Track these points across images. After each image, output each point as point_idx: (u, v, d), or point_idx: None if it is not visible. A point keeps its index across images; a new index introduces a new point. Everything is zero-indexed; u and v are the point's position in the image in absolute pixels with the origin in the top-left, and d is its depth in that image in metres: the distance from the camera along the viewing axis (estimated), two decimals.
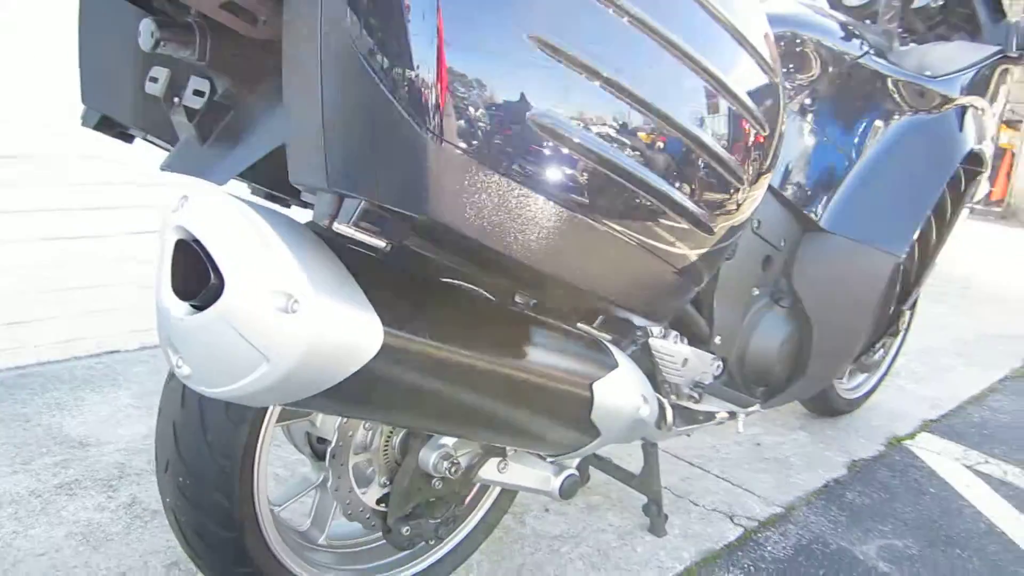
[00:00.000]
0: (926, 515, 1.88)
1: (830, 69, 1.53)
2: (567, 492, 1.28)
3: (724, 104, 0.86)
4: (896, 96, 1.61)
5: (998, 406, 2.65)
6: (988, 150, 1.80)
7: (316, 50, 0.73)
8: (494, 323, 0.97)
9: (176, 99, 0.99)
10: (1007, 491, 2.03)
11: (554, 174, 0.73)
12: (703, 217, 0.87)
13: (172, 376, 1.11)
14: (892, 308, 1.79)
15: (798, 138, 1.54)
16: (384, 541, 1.29)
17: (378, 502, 1.23)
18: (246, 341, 0.74)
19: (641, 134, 0.78)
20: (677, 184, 0.82)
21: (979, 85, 1.71)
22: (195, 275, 0.76)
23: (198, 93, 0.92)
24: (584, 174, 0.74)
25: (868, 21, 1.88)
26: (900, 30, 1.82)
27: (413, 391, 0.88)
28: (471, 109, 0.68)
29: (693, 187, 0.84)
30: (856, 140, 1.60)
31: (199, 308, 0.76)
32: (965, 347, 3.24)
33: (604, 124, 0.75)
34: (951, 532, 1.82)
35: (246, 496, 1.10)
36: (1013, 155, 6.91)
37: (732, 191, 0.90)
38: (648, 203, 0.81)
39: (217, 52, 0.93)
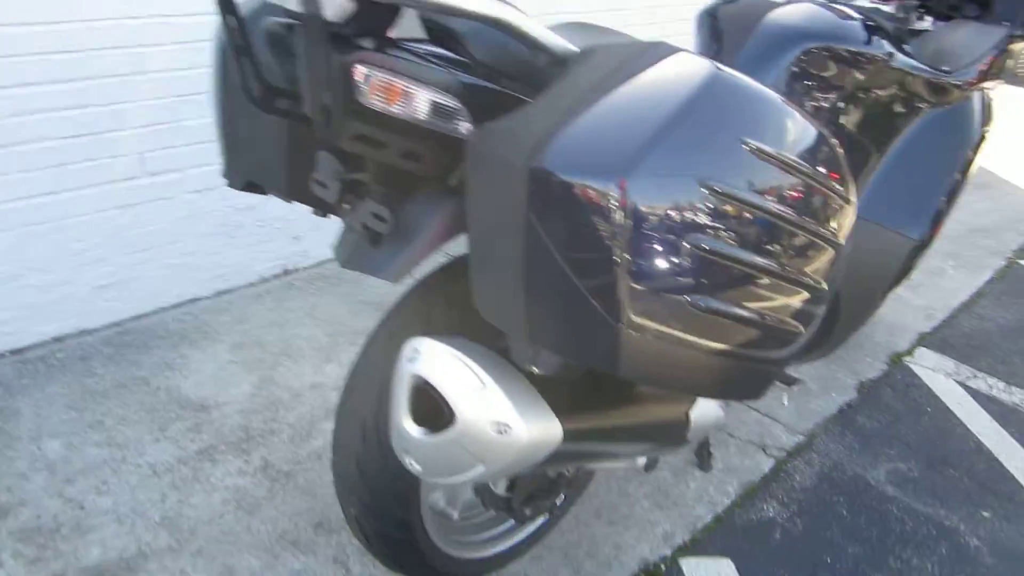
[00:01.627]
0: (925, 436, 2.23)
1: (861, 74, 1.68)
2: (650, 466, 1.58)
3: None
4: (919, 91, 1.77)
5: (984, 313, 2.97)
6: (992, 123, 2.00)
7: (510, 221, 0.92)
8: (630, 392, 1.22)
9: (346, 205, 1.17)
10: (992, 407, 2.38)
11: (713, 334, 0.96)
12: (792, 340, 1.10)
13: (343, 406, 1.34)
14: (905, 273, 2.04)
15: (836, 135, 1.72)
16: None
17: (506, 490, 1.52)
18: (470, 454, 0.99)
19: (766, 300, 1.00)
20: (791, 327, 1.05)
21: (990, 70, 1.88)
22: (427, 407, 1.00)
23: (379, 218, 1.10)
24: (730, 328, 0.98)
25: None
26: (917, 4, 1.94)
27: (577, 452, 1.14)
28: (649, 303, 0.89)
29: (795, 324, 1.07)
30: (884, 134, 1.79)
31: (431, 430, 1.00)
32: (954, 246, 3.52)
33: (745, 301, 0.97)
34: (946, 452, 2.17)
35: (415, 503, 1.37)
36: None
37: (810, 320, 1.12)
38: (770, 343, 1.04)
39: (386, 176, 1.12)
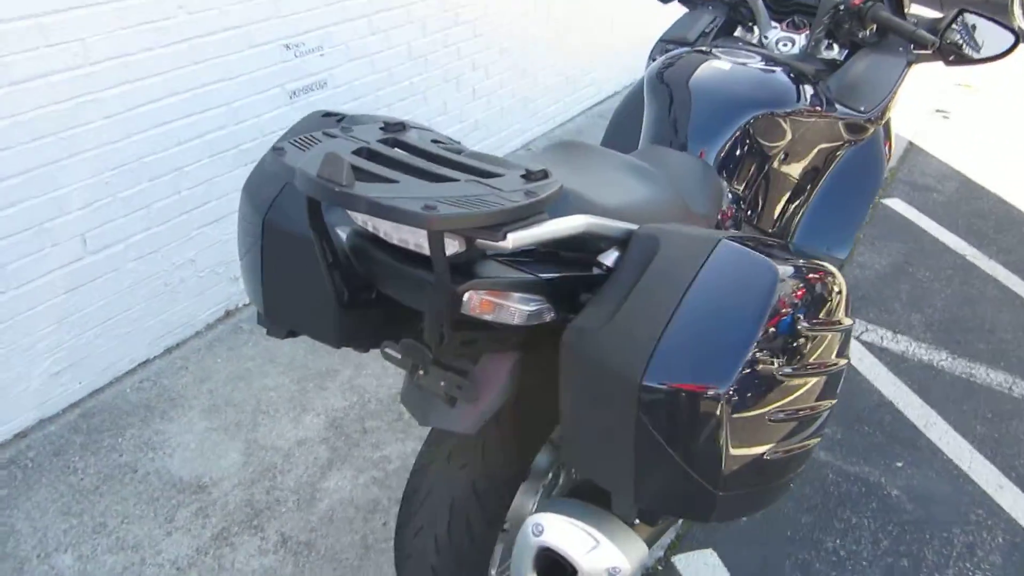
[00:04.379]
0: (840, 397, 2.59)
1: (798, 128, 1.91)
2: None
3: None
4: (842, 132, 2.02)
5: (863, 260, 3.39)
6: (892, 143, 2.29)
7: (621, 418, 1.08)
8: None
9: (421, 371, 1.29)
10: (886, 358, 2.78)
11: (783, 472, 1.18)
12: None
13: (408, 522, 1.48)
14: None
15: (776, 184, 1.95)
16: None
17: None
18: None
19: None
20: None
21: (895, 101, 2.15)
22: (547, 563, 1.18)
23: (461, 387, 1.24)
24: None
25: (797, 16, 2.23)
26: (823, 36, 2.17)
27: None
28: (740, 471, 1.09)
29: None
30: (815, 173, 2.04)
31: None
32: None
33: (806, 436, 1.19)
34: (859, 410, 2.54)
35: None
36: None
37: None
38: None
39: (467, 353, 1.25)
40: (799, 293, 1.15)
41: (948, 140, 4.66)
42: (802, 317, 1.13)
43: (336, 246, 1.18)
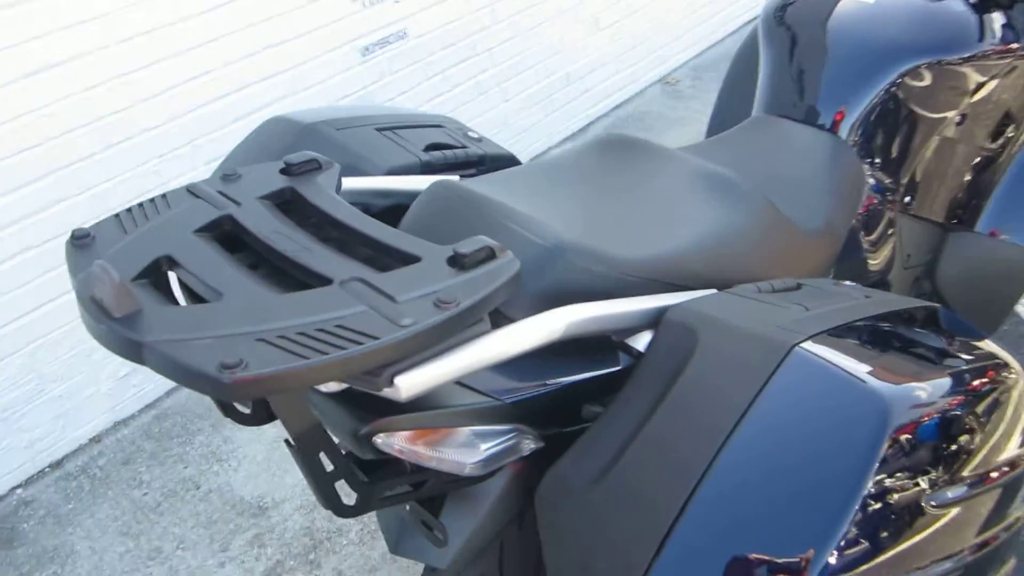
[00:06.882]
0: None
1: (978, 78, 1.34)
2: None
3: None
4: None
5: None
6: None
7: None
8: None
9: (407, 506, 0.96)
10: None
11: None
12: None
13: None
14: None
15: (946, 159, 1.40)
16: None
17: None
18: None
19: None
20: None
21: None
22: None
23: (429, 526, 0.90)
24: None
25: None
26: None
27: None
28: None
29: None
30: (1006, 139, 1.44)
31: None
32: None
33: None
34: None
35: None
36: None
37: None
38: None
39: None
40: (945, 442, 0.68)
41: None
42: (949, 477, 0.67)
43: None
